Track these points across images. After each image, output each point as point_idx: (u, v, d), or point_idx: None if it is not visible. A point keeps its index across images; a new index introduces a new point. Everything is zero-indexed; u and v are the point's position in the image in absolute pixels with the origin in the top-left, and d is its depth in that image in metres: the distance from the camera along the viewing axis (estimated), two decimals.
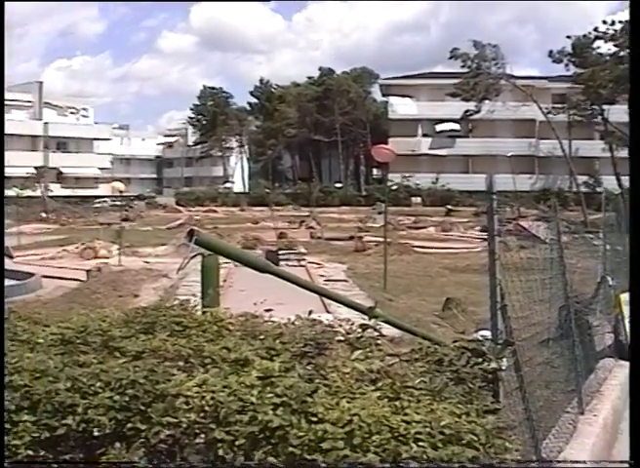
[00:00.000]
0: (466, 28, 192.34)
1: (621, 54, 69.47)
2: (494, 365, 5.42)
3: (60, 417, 4.13)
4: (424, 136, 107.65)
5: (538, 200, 71.97)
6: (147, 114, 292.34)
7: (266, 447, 3.84)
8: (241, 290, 19.32)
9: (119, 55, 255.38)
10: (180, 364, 4.77)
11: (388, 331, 7.72)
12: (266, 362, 4.54)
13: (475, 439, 3.92)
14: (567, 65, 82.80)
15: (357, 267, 30.25)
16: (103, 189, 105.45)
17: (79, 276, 27.32)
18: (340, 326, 5.91)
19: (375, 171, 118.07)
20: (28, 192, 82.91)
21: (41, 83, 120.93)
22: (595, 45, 79.24)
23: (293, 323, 6.01)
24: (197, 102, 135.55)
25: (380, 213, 58.55)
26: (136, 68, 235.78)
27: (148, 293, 23.00)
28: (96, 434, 4.11)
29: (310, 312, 6.21)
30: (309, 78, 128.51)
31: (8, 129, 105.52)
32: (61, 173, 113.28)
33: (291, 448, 3.77)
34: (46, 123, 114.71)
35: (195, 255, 7.86)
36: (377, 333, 5.95)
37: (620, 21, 70.77)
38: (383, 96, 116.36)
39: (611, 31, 73.65)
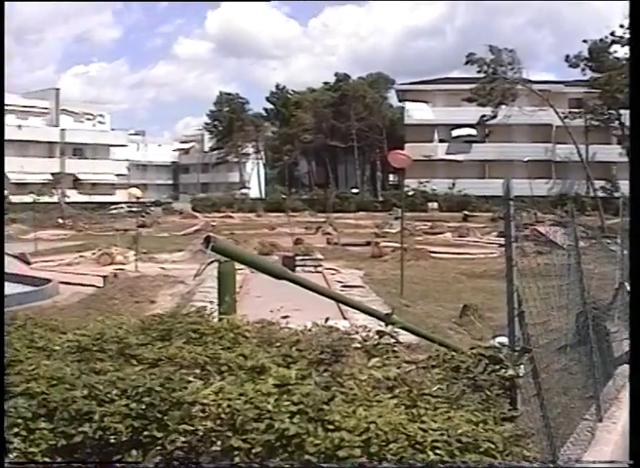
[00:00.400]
0: (482, 33, 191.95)
1: None
2: (511, 372, 5.39)
3: (76, 425, 4.14)
4: (441, 141, 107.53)
5: (555, 205, 71.72)
6: (164, 120, 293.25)
7: (283, 455, 3.83)
8: (257, 296, 19.30)
9: (135, 61, 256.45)
10: (197, 371, 4.77)
11: (405, 337, 7.70)
12: (283, 369, 4.53)
13: (493, 447, 3.90)
14: (583, 70, 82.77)
15: (374, 273, 30.18)
16: (120, 195, 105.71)
17: (96, 282, 27.37)
18: (357, 333, 5.89)
19: (391, 176, 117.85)
20: (45, 198, 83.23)
21: (58, 89, 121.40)
22: (612, 49, 79.19)
23: (309, 330, 6.00)
24: (213, 108, 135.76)
25: (396, 218, 58.53)
26: (152, 74, 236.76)
27: (165, 300, 23.02)
28: (112, 441, 4.11)
29: (327, 319, 6.20)
30: (325, 83, 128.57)
31: (25, 135, 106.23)
32: (78, 179, 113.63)
33: (307, 456, 3.76)
34: (63, 129, 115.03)
35: (212, 262, 7.85)
36: (393, 340, 5.93)
37: None
38: (400, 101, 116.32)
39: (628, 35, 73.42)
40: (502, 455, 3.91)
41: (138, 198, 54.88)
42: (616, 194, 76.96)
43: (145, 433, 4.07)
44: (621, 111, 77.02)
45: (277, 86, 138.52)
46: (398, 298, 22.03)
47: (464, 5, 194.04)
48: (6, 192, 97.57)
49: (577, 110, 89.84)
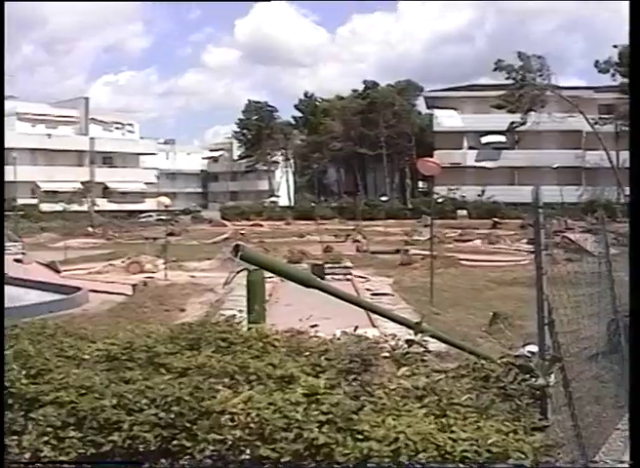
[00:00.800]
0: (512, 38, 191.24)
1: None
2: (541, 381, 5.35)
3: (105, 434, 4.15)
4: (470, 148, 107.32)
5: (585, 212, 71.24)
6: (193, 129, 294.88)
7: (312, 464, 3.82)
8: (287, 304, 19.31)
9: (165, 70, 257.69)
10: (226, 380, 4.77)
11: (435, 345, 7.67)
12: (312, 379, 4.52)
13: (523, 457, 3.87)
14: (613, 75, 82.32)
15: (403, 281, 30.11)
16: (149, 204, 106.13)
17: (125, 290, 27.47)
18: (386, 341, 5.87)
19: (420, 183, 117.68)
20: (75, 207, 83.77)
21: (87, 99, 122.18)
22: None
23: (338, 338, 5.99)
24: (242, 117, 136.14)
25: (425, 226, 58.31)
26: (181, 83, 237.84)
27: (194, 308, 23.06)
28: (141, 450, 4.12)
29: (356, 328, 6.18)
30: (354, 91, 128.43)
31: (55, 144, 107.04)
32: (108, 187, 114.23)
33: (336, 466, 3.75)
34: (92, 138, 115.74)
35: (241, 270, 7.85)
36: (423, 349, 5.91)
37: None
38: (428, 108, 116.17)
39: None
40: (533, 466, 3.88)
41: (167, 206, 55.18)
42: None
43: (174, 442, 4.08)
44: None
45: (306, 94, 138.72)
46: (428, 306, 21.95)
47: (494, 11, 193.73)
48: (36, 201, 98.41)
49: (607, 116, 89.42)
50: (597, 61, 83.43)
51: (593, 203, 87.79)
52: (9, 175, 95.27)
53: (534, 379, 5.36)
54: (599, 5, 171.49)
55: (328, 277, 27.42)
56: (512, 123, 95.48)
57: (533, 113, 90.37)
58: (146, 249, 42.72)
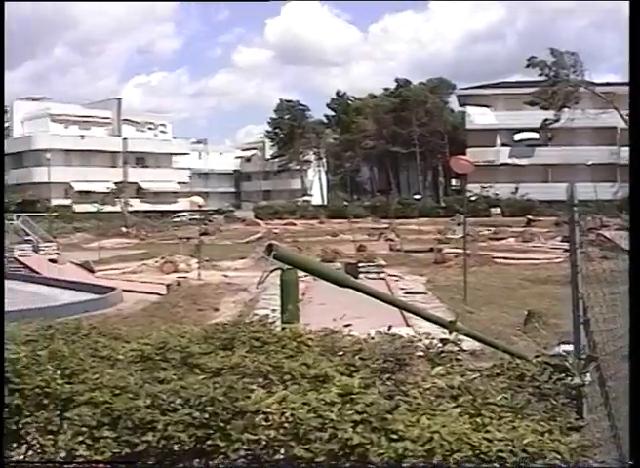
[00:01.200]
0: (544, 35, 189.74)
1: None
2: (577, 380, 5.31)
3: (140, 434, 4.15)
4: (503, 145, 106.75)
5: (620, 209, 70.71)
6: (225, 129, 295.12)
7: (346, 464, 3.81)
8: (320, 304, 19.30)
9: (196, 70, 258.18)
10: (260, 380, 4.76)
11: (469, 344, 7.62)
12: (346, 378, 4.50)
13: (559, 457, 3.83)
14: None
15: (437, 279, 30.07)
16: (182, 204, 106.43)
17: (159, 290, 27.63)
18: (420, 340, 5.85)
19: (453, 181, 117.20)
20: (108, 207, 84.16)
21: (120, 100, 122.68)
22: None
23: (372, 338, 5.97)
24: (274, 116, 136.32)
25: (459, 224, 58.14)
26: (212, 83, 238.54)
27: (228, 307, 23.14)
28: (175, 450, 4.12)
29: (390, 327, 6.16)
30: (386, 89, 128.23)
31: (88, 145, 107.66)
32: (141, 187, 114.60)
33: (370, 466, 3.74)
34: (125, 139, 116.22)
35: (275, 270, 7.85)
36: (457, 348, 5.88)
37: None
38: (461, 106, 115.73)
39: None
40: (569, 466, 3.84)
41: (200, 206, 55.36)
42: None
43: (209, 442, 4.08)
44: None
45: (338, 92, 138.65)
46: (462, 305, 21.92)
47: (525, 8, 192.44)
48: (70, 201, 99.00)
49: None
50: None
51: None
52: (43, 176, 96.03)
53: (569, 379, 5.31)
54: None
55: (361, 276, 27.40)
56: (546, 120, 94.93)
57: (566, 110, 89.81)
58: (180, 248, 42.96)
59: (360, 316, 8.63)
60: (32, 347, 5.31)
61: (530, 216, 79.46)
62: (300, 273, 8.04)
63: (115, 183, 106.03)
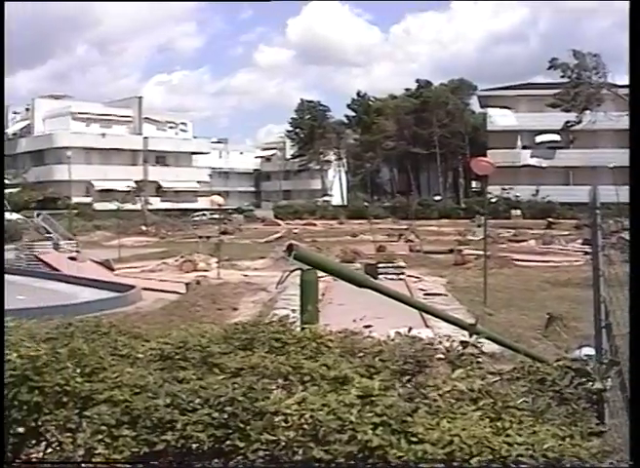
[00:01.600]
0: (566, 37, 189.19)
1: None
2: (598, 385, 5.27)
3: (159, 433, 4.15)
4: (524, 147, 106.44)
5: None
6: (245, 128, 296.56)
7: (365, 467, 3.79)
8: (339, 304, 19.31)
9: (217, 69, 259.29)
10: (279, 381, 4.76)
11: (488, 346, 7.60)
12: (366, 380, 4.49)
13: (580, 463, 3.80)
14: None
15: (457, 281, 29.99)
16: (202, 202, 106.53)
17: (178, 289, 27.67)
18: (440, 343, 5.83)
19: (474, 183, 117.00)
20: (128, 206, 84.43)
21: (140, 98, 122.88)
22: None
23: (392, 339, 5.95)
24: (295, 116, 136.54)
25: (479, 225, 58.08)
26: (233, 83, 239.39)
27: (247, 307, 23.15)
28: (194, 450, 4.12)
29: (410, 329, 6.14)
30: (407, 90, 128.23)
31: (109, 143, 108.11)
32: (161, 186, 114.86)
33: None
34: (145, 137, 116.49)
35: (295, 270, 7.84)
36: (477, 351, 5.86)
37: None
38: (482, 107, 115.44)
39: None
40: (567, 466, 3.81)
41: (220, 205, 55.42)
42: None
43: (228, 442, 4.07)
44: None
45: (358, 93, 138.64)
46: (481, 307, 21.84)
47: (548, 8, 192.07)
48: (90, 199, 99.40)
49: None
50: None
51: None
52: (64, 174, 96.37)
53: (590, 383, 5.28)
54: None
55: (381, 277, 27.37)
56: (567, 122, 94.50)
57: (588, 112, 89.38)
58: (199, 247, 43.00)
59: (379, 317, 8.63)
60: (52, 345, 5.31)
61: (550, 219, 79.23)
62: (319, 273, 8.02)
63: (135, 182, 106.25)
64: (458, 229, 65.32)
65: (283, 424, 4.03)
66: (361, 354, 5.51)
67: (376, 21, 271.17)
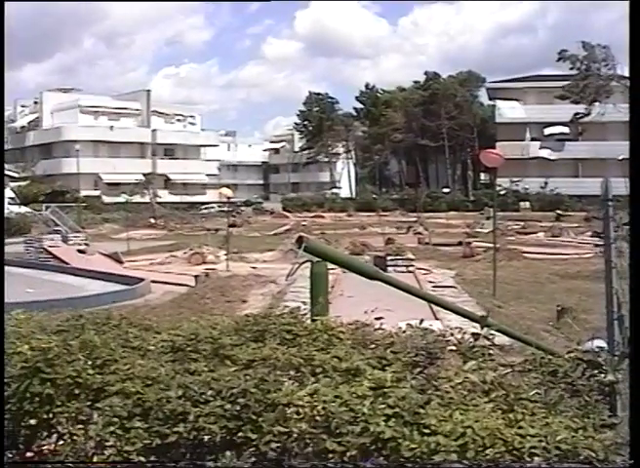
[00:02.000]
0: (575, 28, 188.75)
1: None
2: (611, 377, 5.25)
3: (171, 425, 4.16)
4: (533, 139, 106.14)
5: None
6: (254, 121, 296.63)
7: (378, 458, 3.79)
8: (349, 296, 19.29)
9: (225, 62, 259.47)
10: (291, 373, 4.76)
11: (498, 338, 7.59)
12: (378, 372, 4.49)
13: (593, 455, 3.79)
14: None
15: (465, 273, 29.92)
16: (211, 195, 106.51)
17: (187, 281, 27.67)
18: (452, 335, 5.82)
19: (482, 175, 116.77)
20: (137, 198, 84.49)
21: (149, 91, 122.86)
22: None
23: (404, 331, 5.95)
24: (303, 108, 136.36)
25: (488, 218, 57.93)
26: (242, 75, 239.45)
27: (256, 299, 23.13)
28: (206, 442, 4.12)
29: (422, 321, 6.13)
30: (415, 82, 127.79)
31: (117, 136, 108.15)
32: (169, 179, 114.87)
33: (403, 460, 3.71)
34: (154, 130, 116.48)
35: (305, 262, 7.84)
36: (489, 343, 5.85)
37: None
38: (490, 99, 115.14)
39: None
40: (603, 464, 3.80)
41: (228, 198, 55.42)
42: None
43: (240, 434, 4.07)
44: None
45: (367, 85, 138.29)
46: (490, 299, 21.81)
47: (556, 1, 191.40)
48: (99, 192, 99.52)
49: None
50: None
51: None
52: (72, 167, 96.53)
53: (603, 375, 5.26)
54: None
55: (390, 269, 27.34)
56: (576, 114, 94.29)
57: (597, 104, 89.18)
58: (208, 240, 42.99)
59: (388, 309, 8.60)
60: (63, 337, 5.33)
61: (559, 211, 78.98)
62: (329, 265, 8.01)
63: (144, 174, 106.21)
64: (466, 222, 65.21)
65: (295, 416, 4.03)
66: (372, 346, 5.52)
67: (384, 14, 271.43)
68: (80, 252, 39.98)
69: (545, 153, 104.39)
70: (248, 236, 55.84)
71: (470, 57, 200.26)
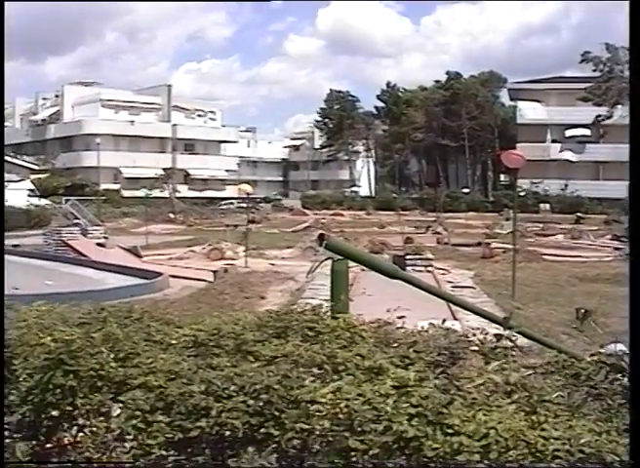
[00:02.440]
0: (599, 29, 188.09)
1: None
2: None
3: (193, 419, 4.15)
4: (554, 141, 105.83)
5: None
6: (274, 117, 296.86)
7: (400, 457, 3.78)
8: (369, 295, 19.31)
9: (247, 58, 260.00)
10: (314, 370, 4.75)
11: (518, 340, 7.58)
12: (401, 370, 4.47)
13: (617, 459, 3.77)
14: None
15: (484, 274, 29.87)
16: (230, 191, 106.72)
17: (206, 276, 27.73)
18: (474, 335, 5.81)
19: (502, 176, 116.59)
20: (157, 193, 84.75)
21: (170, 86, 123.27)
22: None
23: (426, 331, 5.94)
24: (324, 106, 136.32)
25: (507, 219, 57.86)
26: (263, 72, 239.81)
27: (275, 296, 23.16)
28: (228, 437, 4.12)
29: (444, 320, 6.12)
30: (437, 82, 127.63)
31: (137, 131, 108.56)
32: (189, 174, 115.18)
33: (425, 460, 3.70)
34: (174, 125, 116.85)
35: (326, 259, 7.83)
36: (511, 344, 5.83)
37: None
38: (512, 100, 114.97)
39: None
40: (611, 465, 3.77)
41: (248, 194, 55.50)
42: None
43: (262, 430, 4.07)
44: None
45: (388, 84, 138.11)
46: (509, 300, 21.73)
47: (580, 2, 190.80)
48: (118, 186, 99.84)
49: None
50: None
51: None
52: (92, 161, 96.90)
53: (626, 379, 5.24)
54: None
55: (409, 268, 27.32)
56: (598, 116, 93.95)
57: (620, 106, 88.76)
58: (227, 236, 43.09)
59: (407, 308, 8.60)
60: (86, 329, 5.34)
61: (579, 214, 78.72)
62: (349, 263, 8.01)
63: (164, 169, 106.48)
64: (485, 222, 65.14)
65: (318, 413, 4.02)
66: (395, 344, 5.50)
67: (406, 13, 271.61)
68: (99, 245, 40.17)
69: (567, 155, 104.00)
70: (267, 232, 55.93)
71: (492, 57, 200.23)
